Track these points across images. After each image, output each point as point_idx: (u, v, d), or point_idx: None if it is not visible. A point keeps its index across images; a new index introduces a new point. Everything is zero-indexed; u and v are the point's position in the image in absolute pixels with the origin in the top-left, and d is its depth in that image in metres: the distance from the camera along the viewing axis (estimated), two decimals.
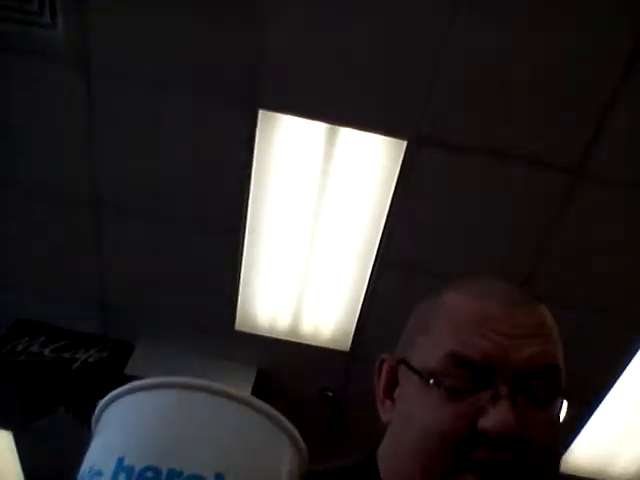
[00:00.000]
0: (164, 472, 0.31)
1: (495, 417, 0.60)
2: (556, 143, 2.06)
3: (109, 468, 0.31)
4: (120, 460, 0.31)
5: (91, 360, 2.96)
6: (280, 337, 2.89)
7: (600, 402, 2.90)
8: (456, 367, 0.63)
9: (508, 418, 0.60)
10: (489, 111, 2.01)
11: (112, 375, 2.87)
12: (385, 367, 0.73)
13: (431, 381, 0.64)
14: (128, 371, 2.92)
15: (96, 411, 0.36)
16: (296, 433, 0.35)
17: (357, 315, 2.70)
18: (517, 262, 2.44)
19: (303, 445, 0.36)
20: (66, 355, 2.96)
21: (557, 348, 0.68)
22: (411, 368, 0.67)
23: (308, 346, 2.87)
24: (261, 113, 2.09)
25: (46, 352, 2.95)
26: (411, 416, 0.66)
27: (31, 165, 2.40)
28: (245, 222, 2.44)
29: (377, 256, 2.48)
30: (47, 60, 2.05)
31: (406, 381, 0.69)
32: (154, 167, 2.34)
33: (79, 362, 2.95)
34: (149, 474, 0.31)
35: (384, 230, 2.39)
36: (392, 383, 0.71)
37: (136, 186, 2.41)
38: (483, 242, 2.38)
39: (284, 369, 3.03)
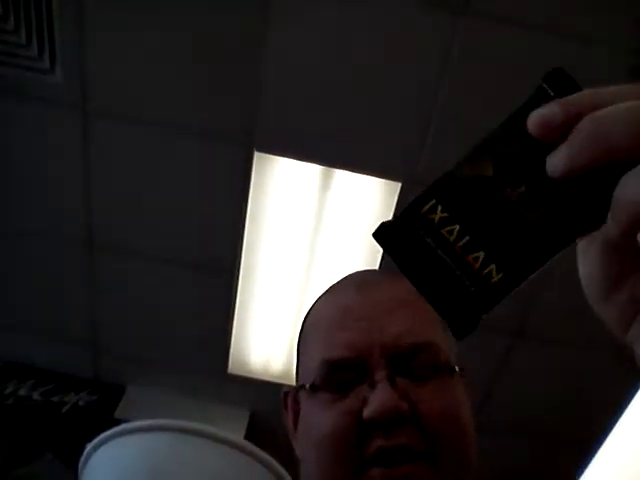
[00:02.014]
0: None
1: (374, 401, 0.58)
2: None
3: None
4: None
5: (81, 403, 2.91)
6: (273, 380, 2.86)
7: (598, 448, 2.86)
8: (332, 372, 0.62)
9: (387, 398, 0.58)
10: None
11: (102, 419, 2.82)
12: (289, 400, 0.72)
13: (307, 386, 0.63)
14: (118, 414, 2.87)
15: (84, 455, 0.35)
16: (288, 478, 0.35)
17: None
18: (515, 300, 2.43)
19: None
20: (55, 399, 2.92)
21: (428, 321, 0.64)
22: (299, 387, 0.67)
23: None
24: (257, 155, 2.11)
25: (35, 395, 2.91)
26: (307, 431, 0.65)
27: (29, 207, 2.40)
28: (239, 264, 2.44)
29: None
30: (45, 105, 2.08)
31: (301, 403, 0.67)
32: (149, 208, 2.34)
33: (69, 405, 2.89)
34: None
35: (380, 268, 2.39)
36: (298, 414, 0.69)
37: (130, 227, 2.41)
38: None
39: (278, 412, 2.98)
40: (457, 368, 0.64)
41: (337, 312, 0.66)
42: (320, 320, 0.68)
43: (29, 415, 2.85)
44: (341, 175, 2.14)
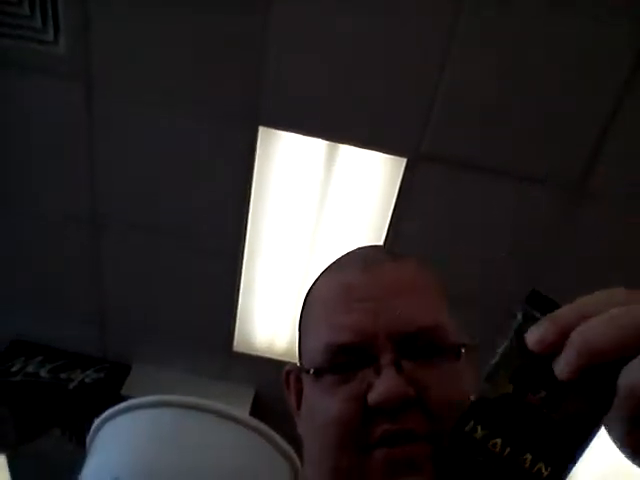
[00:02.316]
0: None
1: (380, 387, 0.57)
2: (556, 161, 2.07)
3: None
4: None
5: (88, 380, 2.94)
6: (278, 358, 2.87)
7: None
8: (336, 355, 0.61)
9: (392, 384, 0.57)
10: (489, 129, 2.02)
11: (109, 396, 2.85)
12: (292, 378, 0.72)
13: (311, 371, 0.62)
14: (125, 392, 2.90)
15: (91, 430, 0.35)
16: (292, 454, 0.35)
17: None
18: (513, 283, 2.43)
19: (299, 465, 0.35)
20: (63, 375, 2.94)
21: (434, 303, 0.64)
22: (303, 369, 0.66)
23: None
24: (261, 130, 2.10)
25: (43, 372, 2.93)
26: (310, 415, 0.65)
27: (30, 182, 2.40)
28: (244, 241, 2.44)
29: None
30: (48, 76, 2.06)
31: (305, 385, 0.67)
32: (153, 183, 2.34)
33: (76, 382, 2.92)
34: None
35: (384, 246, 2.39)
36: (301, 393, 0.69)
37: (135, 205, 2.41)
38: (482, 256, 2.38)
39: (282, 390, 3.00)
40: (463, 350, 0.63)
41: (341, 292, 0.65)
42: (324, 300, 0.67)
43: (37, 392, 2.88)
44: (346, 151, 2.13)
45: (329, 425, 0.60)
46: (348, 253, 0.72)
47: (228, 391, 2.99)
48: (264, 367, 2.92)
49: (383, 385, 0.57)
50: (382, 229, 2.33)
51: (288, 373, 0.72)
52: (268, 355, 2.88)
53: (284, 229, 2.39)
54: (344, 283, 0.65)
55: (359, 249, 0.73)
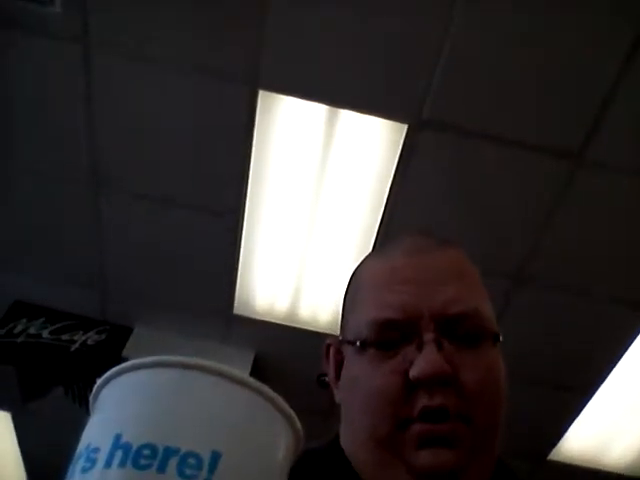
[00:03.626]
0: (161, 449, 0.31)
1: (420, 363, 0.61)
2: (557, 128, 2.05)
3: (106, 445, 0.31)
4: (117, 437, 0.31)
5: (90, 342, 2.97)
6: (278, 322, 2.90)
7: (596, 391, 2.92)
8: (381, 331, 0.65)
9: (433, 360, 0.61)
10: (490, 95, 2.00)
11: (110, 357, 2.89)
12: (332, 350, 0.75)
13: (357, 343, 0.66)
14: (126, 353, 2.93)
15: (94, 389, 0.36)
16: (292, 414, 0.35)
17: None
18: (516, 246, 2.44)
19: (299, 426, 0.36)
20: (65, 337, 2.97)
21: (475, 292, 0.68)
22: (346, 341, 0.70)
23: (306, 331, 2.88)
24: (261, 94, 2.08)
25: (45, 334, 2.96)
26: (352, 385, 0.69)
27: (30, 142, 2.39)
28: (244, 204, 2.44)
29: (376, 240, 2.49)
30: (45, 37, 2.04)
31: (347, 357, 0.71)
32: (153, 147, 2.33)
33: (77, 344, 2.96)
34: (146, 451, 0.31)
35: (384, 214, 2.39)
36: (340, 364, 0.73)
37: (135, 166, 2.41)
38: (483, 225, 2.38)
39: (282, 353, 3.04)
40: (500, 338, 0.66)
41: (389, 274, 0.68)
42: (371, 280, 0.70)
43: (39, 353, 2.92)
44: (347, 116, 2.11)
45: (372, 396, 0.64)
46: (395, 241, 0.75)
47: (228, 353, 3.03)
48: (264, 330, 2.95)
49: (424, 360, 0.61)
50: (383, 194, 2.32)
51: (328, 345, 0.76)
52: (268, 319, 2.91)
53: (284, 193, 2.39)
54: (392, 266, 0.69)
55: (405, 237, 0.75)
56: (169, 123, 2.24)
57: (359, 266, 0.77)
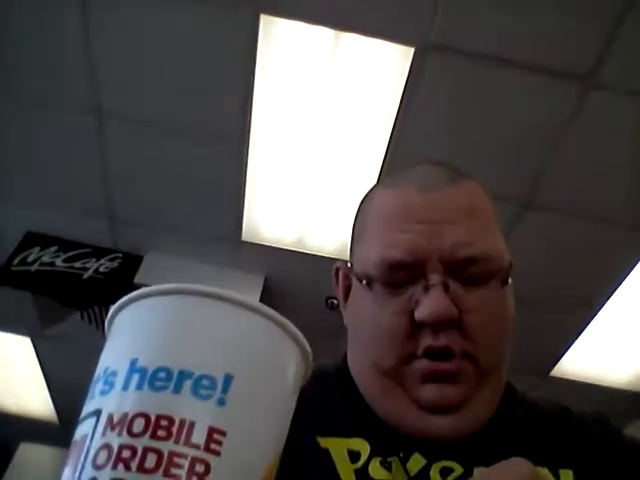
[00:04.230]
0: (175, 373, 0.32)
1: (426, 305, 0.61)
2: (566, 50, 1.99)
3: (123, 369, 0.33)
4: (133, 362, 0.33)
5: (102, 270, 3.02)
6: (287, 247, 2.93)
7: (598, 311, 2.97)
8: (388, 271, 0.64)
9: (439, 303, 0.61)
10: (498, 17, 1.93)
11: (122, 284, 2.94)
12: (340, 274, 0.76)
13: (364, 282, 0.66)
14: (138, 280, 2.98)
15: (109, 315, 0.37)
16: (302, 337, 0.37)
17: None
18: (523, 171, 2.42)
19: (308, 349, 0.37)
20: (77, 265, 3.02)
21: (487, 231, 0.66)
22: (353, 272, 0.70)
23: (314, 256, 2.91)
24: (263, 18, 2.02)
25: (58, 262, 3.00)
26: (358, 317, 0.70)
27: (33, 74, 2.35)
28: (249, 130, 2.41)
29: (383, 166, 2.47)
30: None
31: (354, 286, 0.71)
32: (155, 74, 2.28)
33: (90, 271, 3.00)
34: (161, 375, 0.32)
35: (390, 139, 2.36)
36: (349, 288, 0.74)
37: (137, 94, 2.37)
38: (490, 149, 2.36)
39: (291, 278, 3.09)
40: (509, 280, 0.65)
41: (399, 211, 0.67)
42: (381, 215, 0.69)
43: (53, 281, 2.97)
44: (352, 39, 2.05)
45: (377, 333, 0.65)
46: (408, 171, 0.73)
47: (238, 278, 3.08)
48: (273, 256, 2.98)
49: (430, 303, 0.61)
50: (390, 120, 2.29)
51: (337, 269, 0.76)
52: (276, 245, 2.94)
53: (288, 118, 2.36)
54: (403, 203, 0.67)
55: (422, 166, 0.73)
56: (171, 50, 2.19)
57: (370, 194, 0.75)
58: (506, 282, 0.65)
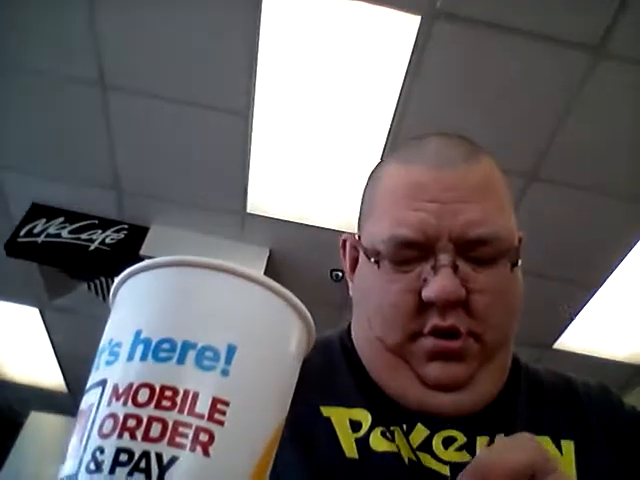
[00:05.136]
0: (179, 344, 0.32)
1: (434, 285, 0.61)
2: (576, 20, 1.96)
3: (128, 340, 0.33)
4: (138, 333, 0.33)
5: (108, 241, 3.03)
6: (292, 220, 2.93)
7: (600, 286, 2.97)
8: (397, 248, 0.64)
9: (448, 284, 0.60)
10: None
11: (128, 256, 2.95)
12: (348, 246, 0.75)
13: (372, 259, 0.65)
14: (143, 252, 2.99)
15: (113, 287, 0.37)
16: (304, 309, 0.37)
17: None
18: (530, 142, 2.40)
19: (311, 320, 0.37)
20: (84, 236, 3.03)
21: (499, 209, 0.65)
22: (362, 248, 0.69)
23: (319, 229, 2.92)
24: None
25: (64, 233, 3.02)
26: (364, 292, 0.69)
27: (36, 45, 2.33)
28: (253, 102, 2.40)
29: (388, 138, 2.45)
30: None
31: (361, 260, 0.71)
32: (162, 46, 2.26)
33: (96, 243, 3.02)
34: (165, 345, 0.32)
35: (396, 109, 2.34)
36: (355, 260, 0.73)
37: (141, 66, 2.35)
38: (497, 120, 2.33)
39: (296, 251, 3.09)
40: (519, 261, 0.65)
41: (409, 188, 0.65)
42: (391, 191, 0.67)
43: (60, 252, 2.99)
44: (358, 7, 2.02)
45: (384, 310, 0.65)
46: (424, 142, 0.70)
47: (244, 250, 3.09)
48: (278, 229, 2.98)
49: (438, 284, 0.61)
50: (396, 89, 2.27)
51: (344, 241, 0.76)
52: (282, 217, 2.94)
53: (294, 89, 2.34)
54: (415, 180, 0.66)
55: (436, 140, 0.70)
56: (176, 21, 2.16)
57: (380, 168, 0.73)
58: (516, 264, 0.65)
